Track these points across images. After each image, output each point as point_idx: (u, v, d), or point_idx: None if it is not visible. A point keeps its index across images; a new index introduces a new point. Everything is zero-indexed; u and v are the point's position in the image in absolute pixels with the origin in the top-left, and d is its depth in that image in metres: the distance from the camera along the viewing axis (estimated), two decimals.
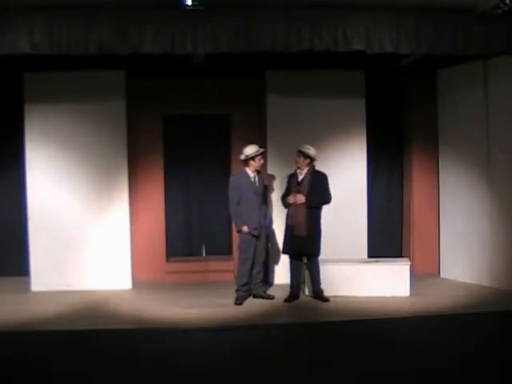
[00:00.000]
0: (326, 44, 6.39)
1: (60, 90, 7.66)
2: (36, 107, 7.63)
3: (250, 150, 6.91)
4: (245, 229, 6.81)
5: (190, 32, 6.24)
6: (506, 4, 6.05)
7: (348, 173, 8.01)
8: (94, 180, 7.75)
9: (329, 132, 7.99)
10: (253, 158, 6.90)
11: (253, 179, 6.97)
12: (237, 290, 6.89)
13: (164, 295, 7.35)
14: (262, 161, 7.01)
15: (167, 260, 8.51)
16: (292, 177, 7.06)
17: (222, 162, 8.67)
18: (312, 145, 7.84)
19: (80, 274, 7.68)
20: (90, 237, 7.75)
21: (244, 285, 6.88)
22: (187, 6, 6.01)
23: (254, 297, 7.00)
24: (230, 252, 8.49)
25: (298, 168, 6.98)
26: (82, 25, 6.14)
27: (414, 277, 7.52)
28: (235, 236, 8.46)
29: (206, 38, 6.27)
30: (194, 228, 8.81)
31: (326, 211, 7.27)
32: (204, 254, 8.77)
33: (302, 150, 6.93)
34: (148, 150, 8.38)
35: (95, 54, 6.30)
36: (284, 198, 7.06)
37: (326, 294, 6.98)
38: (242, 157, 6.93)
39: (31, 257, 7.67)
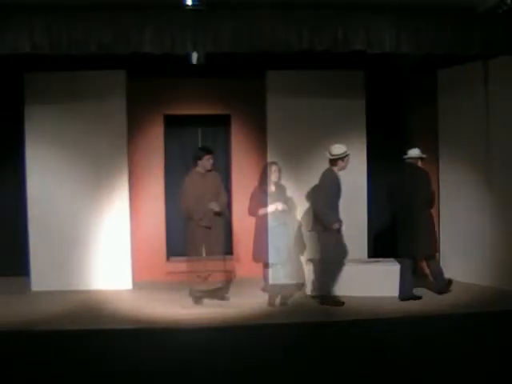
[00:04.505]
0: (326, 44, 6.38)
1: (60, 89, 7.67)
2: (36, 107, 7.63)
3: (339, 149, 6.80)
4: (336, 226, 6.73)
5: (190, 32, 6.23)
6: (506, 4, 6.05)
7: (348, 173, 7.97)
8: (94, 180, 7.75)
9: (329, 132, 7.98)
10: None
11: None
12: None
13: (164, 295, 7.35)
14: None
15: (167, 260, 8.52)
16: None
17: (222, 161, 8.67)
18: (312, 145, 7.94)
19: (80, 274, 7.68)
20: (90, 237, 7.75)
21: None
22: (187, 5, 6.01)
23: None
24: (230, 252, 8.49)
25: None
26: (82, 25, 6.13)
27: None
28: (235, 236, 8.49)
29: (206, 38, 6.26)
30: None
31: None
32: (204, 254, 8.74)
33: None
34: (148, 149, 8.39)
35: (95, 54, 6.30)
36: None
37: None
38: (328, 155, 6.82)
39: (31, 257, 7.68)
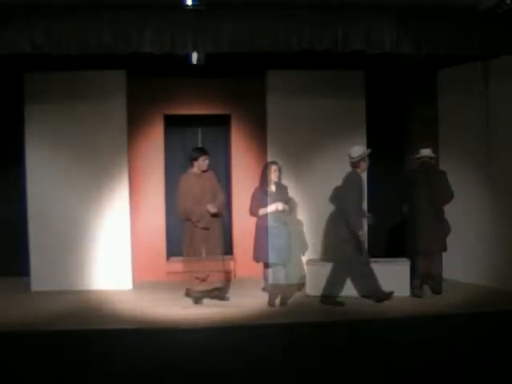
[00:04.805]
0: (326, 44, 6.38)
1: (60, 90, 7.67)
2: (36, 107, 7.63)
3: (359, 151, 6.87)
4: (360, 234, 6.74)
5: (190, 32, 6.22)
6: (506, 4, 6.05)
7: None
8: (94, 180, 7.75)
9: (329, 132, 7.99)
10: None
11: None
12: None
13: (164, 295, 7.34)
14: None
15: (167, 260, 8.52)
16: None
17: (222, 161, 8.67)
18: (312, 144, 7.92)
19: (80, 273, 7.69)
20: (90, 237, 7.75)
21: None
22: (187, 5, 6.01)
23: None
24: (230, 252, 8.49)
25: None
26: (82, 25, 6.12)
27: None
28: (235, 236, 8.49)
29: (206, 38, 6.26)
30: None
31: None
32: (204, 254, 8.74)
33: None
34: (148, 149, 8.39)
35: (95, 54, 6.30)
36: None
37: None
38: (349, 159, 6.85)
39: (31, 257, 7.68)
